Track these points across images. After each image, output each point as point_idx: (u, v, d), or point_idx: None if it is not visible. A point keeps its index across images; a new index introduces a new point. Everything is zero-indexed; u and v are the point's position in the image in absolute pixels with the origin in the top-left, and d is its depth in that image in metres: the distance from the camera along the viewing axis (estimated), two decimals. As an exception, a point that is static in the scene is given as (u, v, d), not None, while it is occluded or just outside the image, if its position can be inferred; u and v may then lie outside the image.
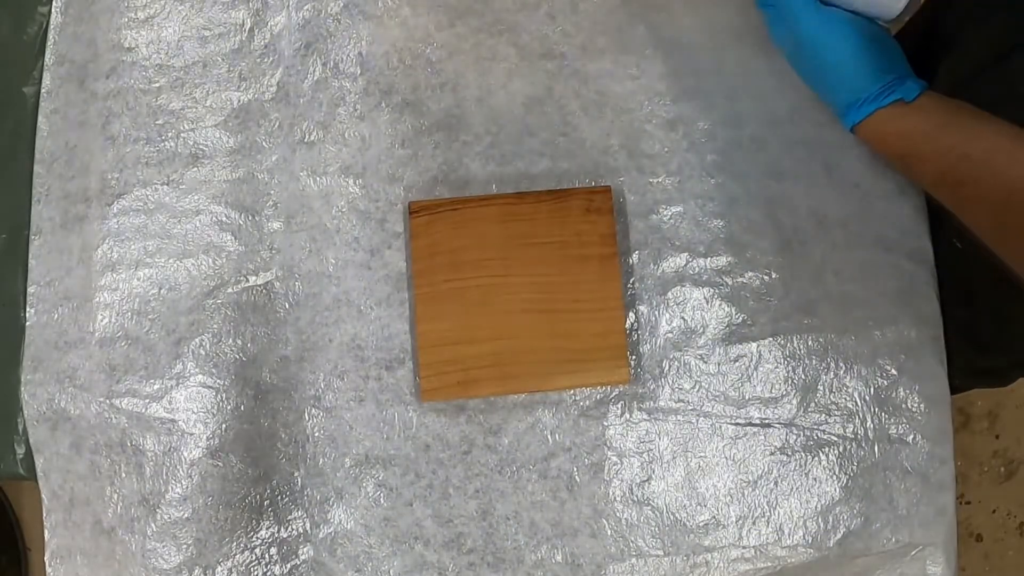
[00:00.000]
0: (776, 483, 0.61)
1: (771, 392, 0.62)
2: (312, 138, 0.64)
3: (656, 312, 0.62)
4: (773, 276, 0.63)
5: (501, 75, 0.65)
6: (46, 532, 0.62)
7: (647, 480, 0.61)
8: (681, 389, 0.62)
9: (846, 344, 0.62)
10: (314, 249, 0.63)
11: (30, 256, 0.64)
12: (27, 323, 0.63)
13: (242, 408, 0.61)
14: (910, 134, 0.52)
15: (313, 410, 0.61)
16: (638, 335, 0.62)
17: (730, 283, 0.63)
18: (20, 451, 0.65)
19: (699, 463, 0.61)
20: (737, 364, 0.62)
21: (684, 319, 0.62)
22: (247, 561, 0.60)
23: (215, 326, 0.62)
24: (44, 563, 0.62)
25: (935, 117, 0.52)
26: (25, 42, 0.69)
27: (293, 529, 0.61)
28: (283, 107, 0.64)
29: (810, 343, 0.62)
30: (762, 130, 0.64)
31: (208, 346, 0.62)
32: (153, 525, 0.61)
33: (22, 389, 0.63)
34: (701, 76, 0.65)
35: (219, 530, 0.61)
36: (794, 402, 0.62)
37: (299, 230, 0.63)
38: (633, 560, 0.60)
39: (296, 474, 0.61)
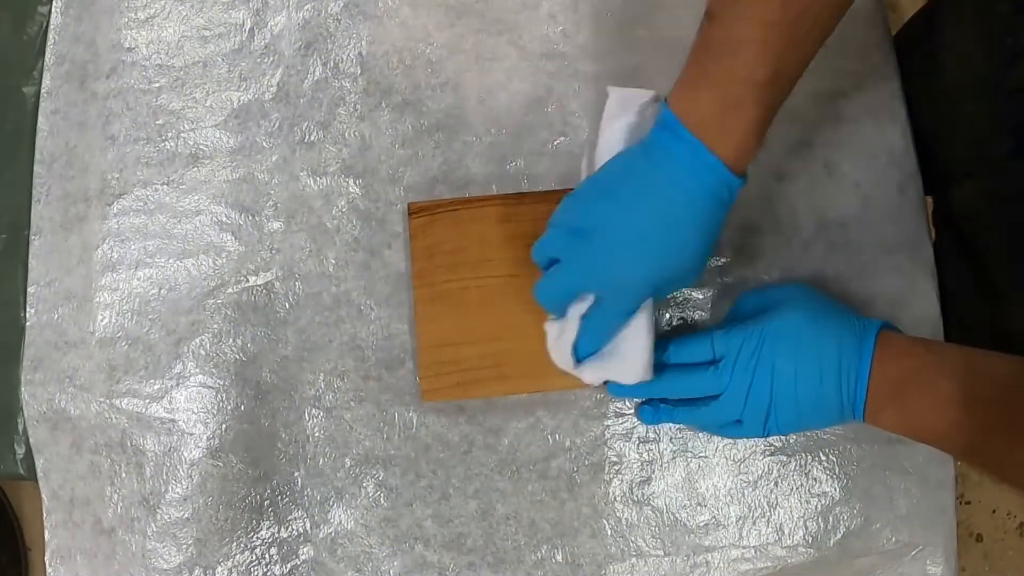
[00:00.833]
0: (776, 483, 0.61)
1: (771, 392, 0.62)
2: (312, 138, 0.64)
3: (656, 312, 0.62)
4: (773, 276, 0.63)
5: (501, 75, 0.65)
6: (46, 532, 0.62)
7: (647, 480, 0.61)
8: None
9: (846, 344, 0.62)
10: (314, 249, 0.63)
11: (30, 256, 0.64)
12: (27, 323, 0.63)
13: (242, 408, 0.61)
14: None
15: (313, 410, 0.61)
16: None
17: (730, 283, 0.63)
18: (20, 451, 0.65)
19: (699, 463, 0.61)
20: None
21: (684, 319, 0.62)
22: (247, 561, 0.60)
23: (215, 326, 0.62)
24: (44, 563, 0.62)
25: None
26: (25, 42, 0.69)
27: (293, 529, 0.61)
28: (283, 107, 0.64)
29: (810, 343, 0.62)
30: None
31: (208, 346, 0.62)
32: (153, 525, 0.61)
33: (22, 389, 0.63)
34: (701, 76, 0.65)
35: (219, 530, 0.61)
36: (794, 402, 0.62)
37: (299, 230, 0.63)
38: (633, 560, 0.60)
39: (296, 474, 0.61)
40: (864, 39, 0.65)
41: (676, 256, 0.49)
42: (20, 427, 0.64)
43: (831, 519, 0.61)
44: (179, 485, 0.61)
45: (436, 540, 0.60)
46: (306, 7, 0.65)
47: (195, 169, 0.64)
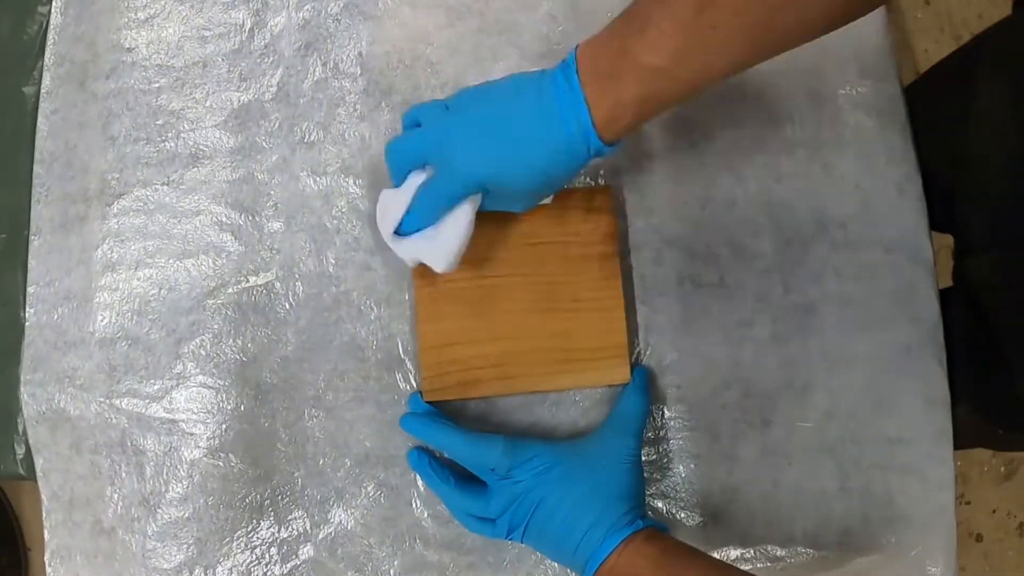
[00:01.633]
0: (775, 483, 0.61)
1: (771, 392, 0.62)
2: (312, 138, 0.64)
3: (656, 312, 0.62)
4: (773, 276, 0.63)
5: (501, 75, 0.64)
6: (46, 532, 0.62)
7: (646, 480, 0.61)
8: (680, 388, 0.62)
9: (846, 344, 0.62)
10: (314, 249, 0.63)
11: (30, 256, 0.64)
12: (27, 323, 0.63)
13: (242, 408, 0.61)
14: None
15: (313, 410, 0.61)
16: (638, 335, 0.62)
17: (730, 283, 0.63)
18: (20, 451, 0.65)
19: (698, 462, 0.61)
20: (736, 363, 0.62)
21: (683, 319, 0.62)
22: (247, 561, 0.60)
23: (215, 326, 0.62)
24: (44, 563, 0.62)
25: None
26: (25, 42, 0.69)
27: (293, 529, 0.61)
28: (283, 107, 0.64)
29: (809, 343, 0.62)
30: (762, 131, 0.64)
31: (208, 346, 0.62)
32: (153, 525, 0.61)
33: (22, 389, 0.63)
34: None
35: (219, 530, 0.61)
36: (794, 402, 0.62)
37: (299, 230, 0.63)
38: (633, 560, 0.60)
39: (296, 474, 0.61)
40: (864, 40, 0.65)
41: (511, 165, 0.51)
42: (20, 427, 0.64)
43: (831, 519, 0.61)
44: (179, 485, 0.61)
45: (436, 540, 0.61)
46: (306, 7, 0.65)
47: (195, 169, 0.64)
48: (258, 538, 0.61)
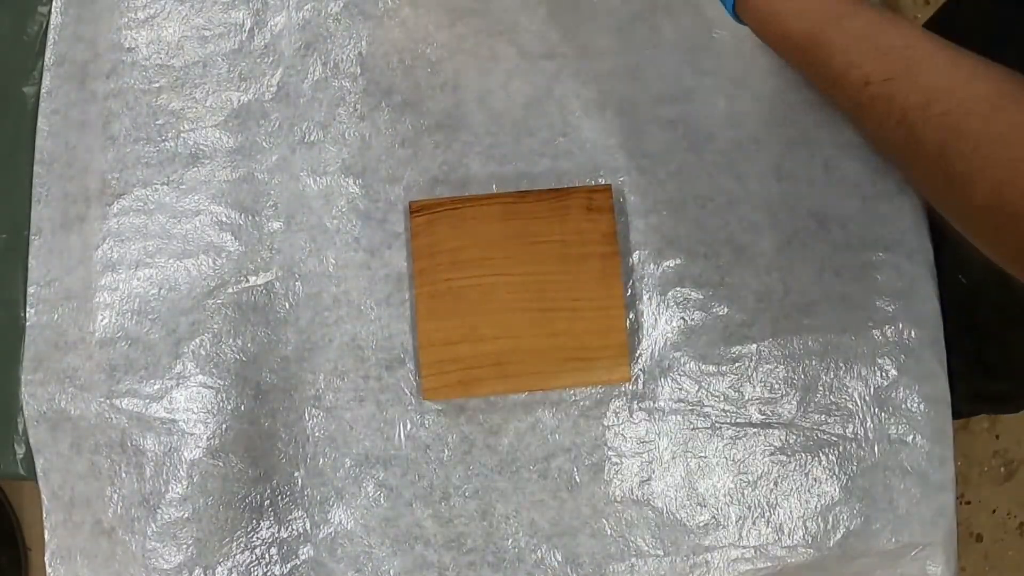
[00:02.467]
0: (776, 483, 0.61)
1: (771, 392, 0.62)
2: (312, 138, 0.64)
3: (656, 312, 0.62)
4: (773, 276, 0.63)
5: (501, 75, 0.65)
6: (46, 532, 0.62)
7: (647, 480, 0.61)
8: (681, 389, 0.62)
9: (846, 344, 0.62)
10: (314, 249, 0.63)
11: (30, 256, 0.64)
12: (27, 323, 0.63)
13: (242, 408, 0.61)
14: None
15: (313, 410, 0.61)
16: (638, 335, 0.62)
17: (730, 283, 0.63)
18: (20, 451, 0.65)
19: (699, 463, 0.61)
20: (737, 364, 0.62)
21: (684, 319, 0.62)
22: (247, 561, 0.60)
23: (215, 326, 0.62)
24: (44, 563, 0.62)
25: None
26: (25, 42, 0.69)
27: (293, 529, 0.61)
28: (283, 107, 0.64)
29: (810, 343, 0.62)
30: (762, 130, 0.64)
31: (208, 346, 0.62)
32: (153, 525, 0.61)
33: (22, 389, 0.63)
34: (701, 76, 0.65)
35: (219, 530, 0.61)
36: (794, 402, 0.62)
37: (299, 230, 0.63)
38: (633, 560, 0.60)
39: (296, 474, 0.61)
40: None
41: None
42: (20, 427, 0.64)
43: (831, 519, 0.61)
44: (179, 485, 0.61)
45: (436, 540, 0.60)
46: (306, 7, 0.65)
47: (195, 169, 0.64)
48: (258, 538, 0.61)
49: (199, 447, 0.61)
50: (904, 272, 0.63)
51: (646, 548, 0.60)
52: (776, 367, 0.62)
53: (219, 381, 0.62)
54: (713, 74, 0.65)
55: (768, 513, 0.61)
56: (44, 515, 0.62)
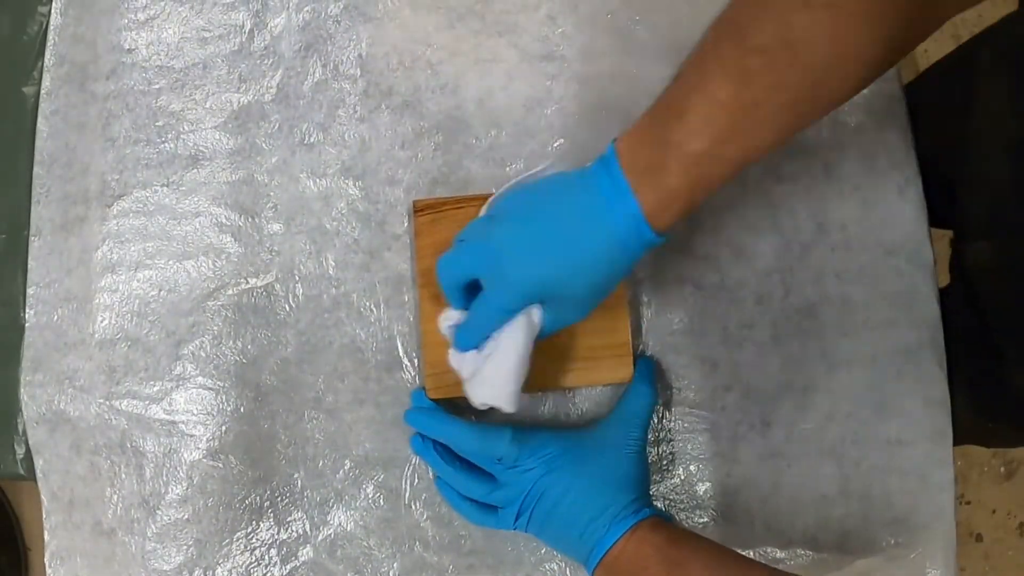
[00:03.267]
0: (775, 485, 0.61)
1: (771, 393, 0.62)
2: (312, 140, 0.64)
3: (656, 313, 0.62)
4: (773, 278, 0.63)
5: (501, 77, 0.65)
6: (46, 533, 0.62)
7: (647, 482, 0.61)
8: (680, 391, 0.62)
9: (846, 346, 0.62)
10: (314, 251, 0.63)
11: (30, 257, 0.64)
12: (27, 324, 0.63)
13: (242, 410, 0.61)
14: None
15: (313, 412, 0.61)
16: (638, 336, 0.62)
17: (730, 284, 0.63)
18: (20, 451, 0.65)
19: (698, 465, 0.61)
20: (737, 365, 0.62)
21: (684, 320, 0.62)
22: (247, 562, 0.61)
23: (215, 328, 0.62)
24: (44, 564, 0.62)
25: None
26: (25, 42, 0.69)
27: (293, 530, 0.61)
28: (283, 109, 0.64)
29: (810, 345, 0.62)
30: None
31: (208, 348, 0.62)
32: (153, 526, 0.61)
33: (22, 390, 0.63)
34: (701, 78, 0.64)
35: (219, 531, 0.61)
36: (794, 403, 0.62)
37: (299, 232, 0.63)
38: (633, 562, 0.60)
39: (296, 476, 0.61)
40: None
41: (563, 267, 0.49)
42: (20, 428, 0.64)
43: (831, 521, 0.61)
44: (179, 486, 0.61)
45: (436, 542, 0.61)
46: (306, 9, 0.65)
47: (195, 171, 0.64)
48: (258, 539, 0.61)
49: (199, 448, 0.61)
50: (904, 275, 0.63)
51: (646, 550, 0.60)
52: (776, 368, 0.62)
53: (219, 383, 0.62)
54: (713, 75, 0.64)
55: (768, 514, 0.61)
56: (44, 516, 0.62)
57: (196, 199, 0.64)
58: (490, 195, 0.61)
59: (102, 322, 0.63)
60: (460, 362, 0.54)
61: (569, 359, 0.60)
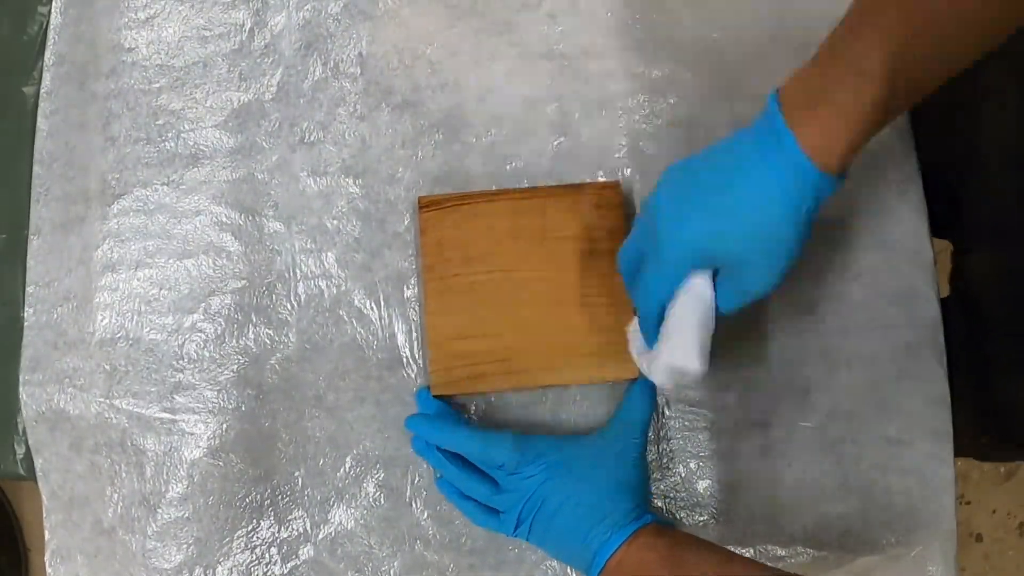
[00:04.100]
0: (775, 483, 0.61)
1: (770, 393, 0.62)
2: (312, 138, 0.64)
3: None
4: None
5: (501, 75, 0.65)
6: (46, 532, 0.62)
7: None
8: (681, 389, 0.62)
9: (846, 345, 0.62)
10: (314, 249, 0.63)
11: (29, 256, 0.64)
12: (26, 323, 0.63)
13: (243, 408, 0.61)
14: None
15: (314, 410, 0.61)
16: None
17: (730, 283, 0.63)
18: (20, 451, 0.65)
19: (698, 463, 0.61)
20: (736, 365, 0.62)
21: (684, 319, 0.62)
22: (247, 561, 0.60)
23: (216, 327, 0.62)
24: (44, 563, 0.62)
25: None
26: (25, 42, 0.69)
27: (294, 529, 0.61)
28: (283, 107, 0.64)
29: (810, 344, 0.62)
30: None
31: (209, 347, 0.62)
32: (153, 525, 0.61)
33: (21, 389, 0.63)
34: (701, 76, 0.65)
35: (220, 530, 0.61)
36: (793, 403, 0.62)
37: (299, 230, 0.63)
38: (633, 560, 0.60)
39: (297, 474, 0.61)
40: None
41: (718, 224, 0.46)
42: (20, 427, 0.64)
43: (831, 519, 0.61)
44: (179, 485, 0.61)
45: (436, 540, 0.61)
46: (306, 7, 0.65)
47: (195, 169, 0.64)
48: (258, 538, 0.61)
49: (199, 447, 0.61)
50: (904, 273, 0.63)
51: (646, 548, 0.60)
52: (775, 367, 0.62)
53: (220, 381, 0.62)
54: (714, 74, 0.65)
55: (768, 513, 0.61)
56: (44, 515, 0.62)
57: (196, 198, 0.64)
58: (493, 192, 0.61)
59: (102, 321, 0.63)
60: (642, 356, 0.55)
61: (575, 355, 0.60)
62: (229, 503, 0.61)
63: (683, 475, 0.61)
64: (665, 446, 0.61)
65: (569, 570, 0.61)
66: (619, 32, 0.65)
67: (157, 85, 0.65)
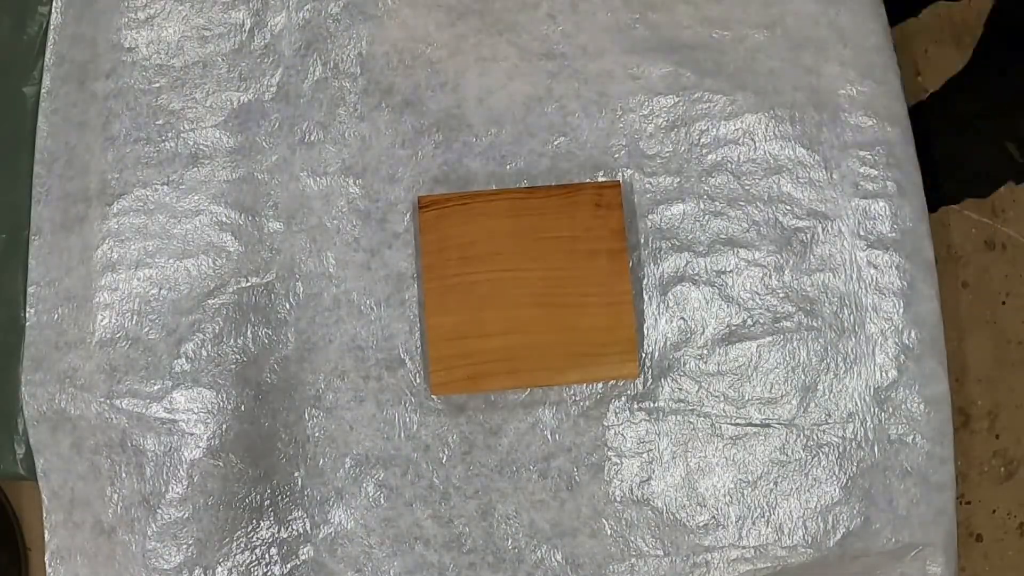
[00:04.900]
0: (776, 483, 0.61)
1: (771, 392, 0.62)
2: (312, 138, 0.64)
3: (656, 312, 0.62)
4: (773, 276, 0.63)
5: (501, 75, 0.65)
6: (46, 532, 0.62)
7: (647, 480, 0.61)
8: (681, 389, 0.62)
9: (846, 344, 0.62)
10: (314, 249, 0.63)
11: (30, 256, 0.64)
12: (27, 323, 0.63)
13: (242, 408, 0.61)
14: None
15: (313, 410, 0.61)
16: (638, 335, 0.62)
17: (730, 283, 0.63)
18: (20, 451, 0.65)
19: (699, 463, 0.61)
20: (737, 364, 0.62)
21: (684, 319, 0.62)
22: (247, 561, 0.60)
23: (215, 326, 0.62)
24: (44, 563, 0.62)
25: None
26: (25, 42, 0.69)
27: (293, 529, 0.61)
28: (283, 107, 0.64)
29: (810, 343, 0.62)
30: (763, 129, 0.64)
31: (209, 346, 0.62)
32: (153, 525, 0.61)
33: (22, 389, 0.63)
34: (701, 76, 0.65)
35: (219, 530, 0.61)
36: (794, 402, 0.62)
37: (299, 230, 0.63)
38: (633, 560, 0.60)
39: (296, 474, 0.61)
40: (864, 40, 0.65)
41: None
42: (20, 427, 0.64)
43: (831, 519, 0.61)
44: (179, 485, 0.61)
45: (436, 540, 0.60)
46: (306, 7, 0.65)
47: (195, 169, 0.64)
48: (258, 538, 0.61)
49: (199, 447, 0.61)
50: (904, 272, 0.63)
51: (646, 548, 0.60)
52: (776, 367, 0.62)
53: (219, 381, 0.62)
54: (713, 74, 0.65)
55: (768, 513, 0.61)
56: (44, 515, 0.62)
57: (196, 198, 0.64)
58: (493, 192, 0.61)
59: (102, 321, 0.63)
60: None
61: (574, 355, 0.60)
62: (229, 503, 0.61)
63: (683, 475, 0.61)
64: (666, 446, 0.61)
65: (569, 569, 0.60)
66: (619, 32, 0.65)
67: (157, 85, 0.65)
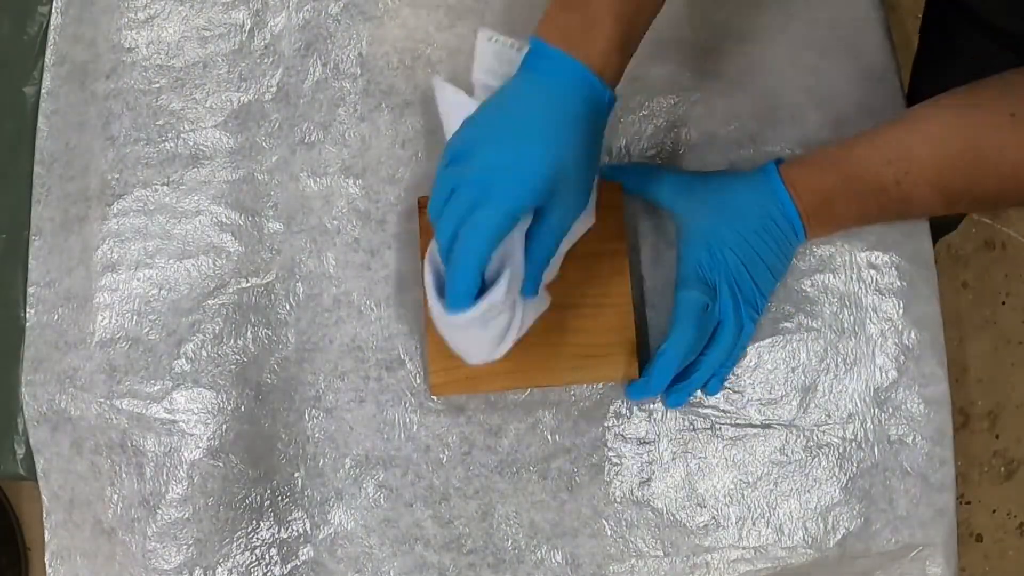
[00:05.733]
0: (776, 484, 0.61)
1: (771, 393, 0.62)
2: (312, 139, 0.64)
3: (658, 312, 0.62)
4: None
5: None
6: (46, 532, 0.62)
7: (647, 481, 0.61)
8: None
9: (846, 345, 0.62)
10: (314, 250, 0.63)
11: (30, 257, 0.64)
12: (27, 324, 0.63)
13: (242, 409, 0.62)
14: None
15: (313, 411, 0.61)
16: (639, 336, 0.62)
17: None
18: (20, 451, 0.65)
19: (699, 464, 0.61)
20: (737, 364, 0.62)
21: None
22: (247, 562, 0.61)
23: (215, 327, 0.62)
24: (44, 563, 0.62)
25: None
26: (25, 42, 0.69)
27: (293, 530, 0.61)
28: (283, 108, 0.64)
29: (810, 344, 0.62)
30: (762, 130, 0.64)
31: (209, 347, 0.62)
32: (153, 526, 0.61)
33: (22, 390, 0.63)
34: (701, 76, 0.65)
35: (219, 531, 0.61)
36: (794, 403, 0.62)
37: (299, 231, 0.63)
38: (633, 561, 0.60)
39: (296, 475, 0.61)
40: (864, 40, 0.65)
41: (537, 157, 0.46)
42: (20, 427, 0.64)
43: (831, 520, 0.61)
44: (179, 485, 0.61)
45: (436, 541, 0.61)
46: (306, 8, 0.65)
47: (195, 170, 0.64)
48: (258, 539, 0.61)
49: (199, 447, 0.61)
50: (904, 272, 0.63)
51: (646, 549, 0.61)
52: (776, 368, 0.62)
53: (219, 382, 0.62)
54: (713, 75, 0.65)
55: (768, 514, 0.61)
56: (44, 515, 0.62)
57: (196, 198, 0.64)
58: None
59: (102, 321, 0.63)
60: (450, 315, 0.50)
61: (574, 356, 0.60)
62: (229, 504, 0.61)
63: (683, 476, 0.61)
64: (665, 446, 0.61)
65: (569, 569, 0.61)
66: (619, 32, 0.65)
67: (157, 85, 0.65)
